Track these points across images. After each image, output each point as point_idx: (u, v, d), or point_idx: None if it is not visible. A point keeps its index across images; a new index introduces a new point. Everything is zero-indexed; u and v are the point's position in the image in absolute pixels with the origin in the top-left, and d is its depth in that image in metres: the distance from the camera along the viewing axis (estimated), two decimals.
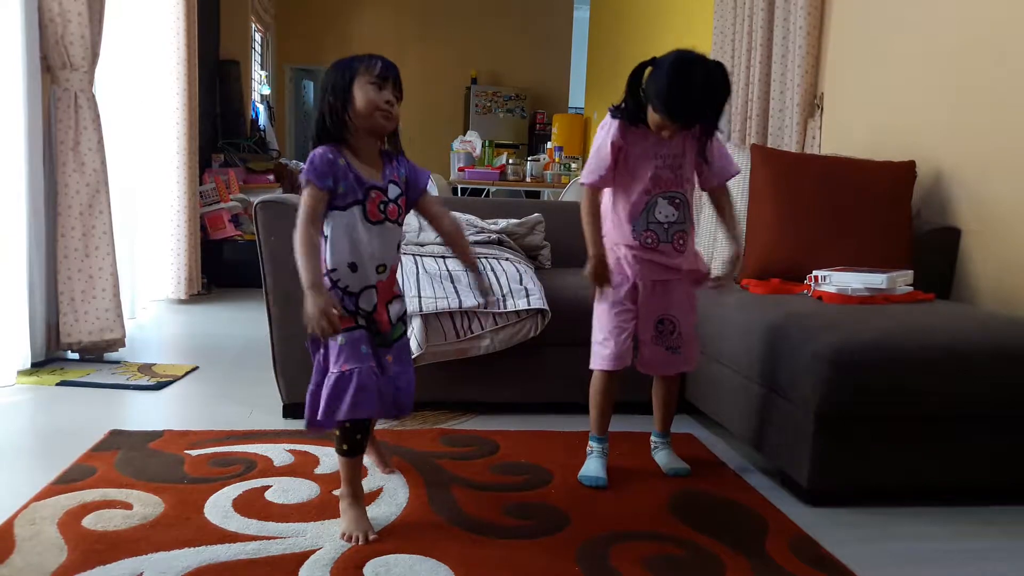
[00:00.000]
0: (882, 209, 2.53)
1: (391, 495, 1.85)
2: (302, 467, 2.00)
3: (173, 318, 4.15)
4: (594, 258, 1.92)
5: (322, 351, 1.66)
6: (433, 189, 5.49)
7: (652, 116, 1.85)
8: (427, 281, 2.46)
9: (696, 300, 2.04)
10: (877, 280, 2.23)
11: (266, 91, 8.30)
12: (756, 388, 2.12)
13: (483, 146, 6.66)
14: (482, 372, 2.49)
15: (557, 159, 6.28)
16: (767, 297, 2.36)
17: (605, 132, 1.93)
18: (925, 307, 2.21)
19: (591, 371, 2.02)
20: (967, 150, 2.56)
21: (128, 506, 1.72)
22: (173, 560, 1.50)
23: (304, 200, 1.59)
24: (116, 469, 1.93)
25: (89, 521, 1.64)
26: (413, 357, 2.32)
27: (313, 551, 1.56)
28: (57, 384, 2.72)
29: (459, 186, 6.06)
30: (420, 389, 2.45)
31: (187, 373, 2.93)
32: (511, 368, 2.52)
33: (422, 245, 2.77)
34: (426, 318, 2.38)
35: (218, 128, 6.21)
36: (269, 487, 1.87)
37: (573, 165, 6.17)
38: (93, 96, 3.09)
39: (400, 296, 1.76)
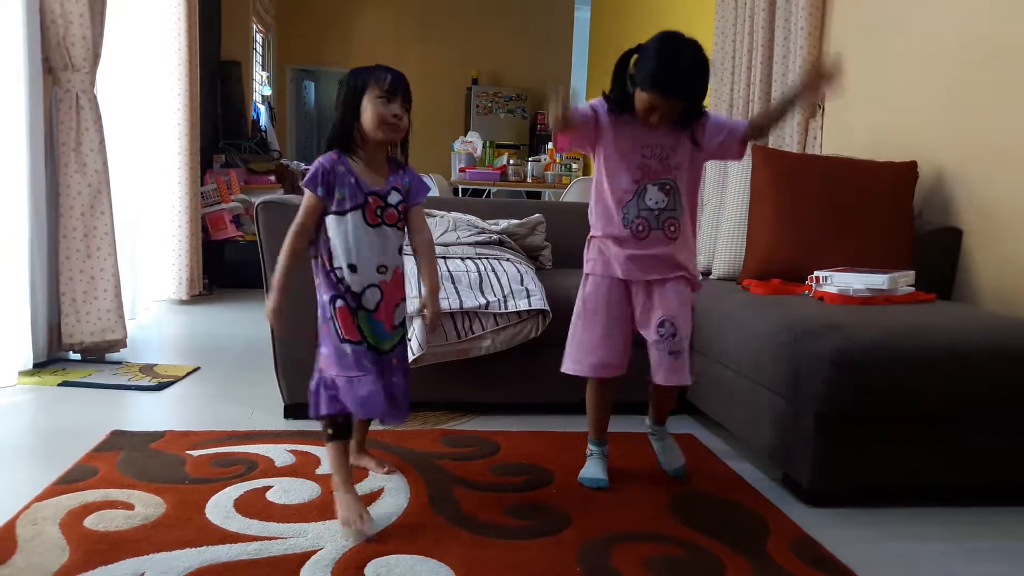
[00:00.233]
0: (883, 209, 2.53)
1: (392, 496, 1.85)
2: (303, 467, 2.01)
3: (174, 319, 4.15)
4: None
5: (322, 349, 1.74)
6: (434, 190, 5.50)
7: (640, 100, 1.80)
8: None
9: (693, 309, 1.94)
10: (878, 281, 2.23)
11: (267, 92, 8.31)
12: (757, 388, 2.12)
13: (484, 146, 6.66)
14: (483, 373, 2.49)
15: (558, 160, 6.28)
16: (768, 298, 2.36)
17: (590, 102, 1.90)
18: (926, 308, 2.21)
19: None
20: (968, 150, 2.56)
21: (130, 506, 1.73)
22: (174, 560, 1.50)
23: (302, 204, 1.73)
24: (118, 469, 1.93)
25: (91, 521, 1.64)
26: (414, 357, 2.34)
27: (314, 551, 1.56)
28: (59, 384, 2.72)
29: (460, 187, 6.06)
30: (421, 389, 2.47)
31: (188, 374, 2.93)
32: (512, 369, 2.52)
33: None
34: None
35: (219, 129, 6.22)
36: (270, 487, 1.87)
37: (574, 165, 6.17)
38: (95, 97, 3.10)
39: (404, 300, 1.82)
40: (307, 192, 1.71)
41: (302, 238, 1.73)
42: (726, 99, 4.03)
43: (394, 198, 1.75)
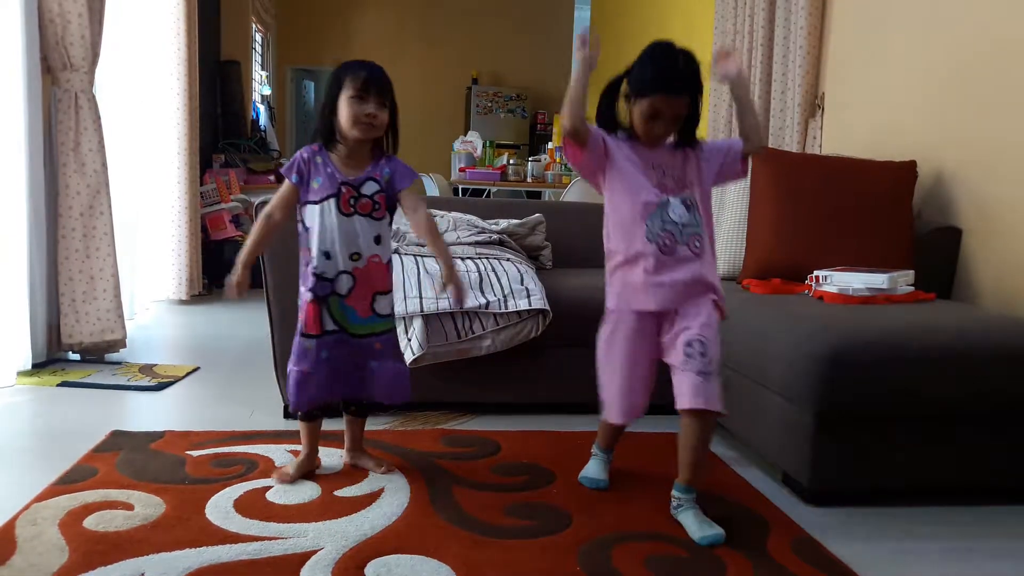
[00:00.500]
0: (883, 209, 2.53)
1: (392, 495, 1.85)
2: None
3: (174, 319, 4.15)
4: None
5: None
6: (434, 189, 5.50)
7: (641, 113, 1.76)
8: (428, 281, 2.46)
9: (718, 329, 1.79)
10: (878, 280, 2.23)
11: (267, 91, 8.30)
12: (757, 388, 2.12)
13: (484, 146, 6.66)
14: (483, 372, 2.49)
15: (558, 159, 6.28)
16: (768, 297, 2.35)
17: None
18: (926, 307, 2.21)
19: (593, 373, 1.93)
20: (968, 150, 2.56)
21: (129, 507, 1.72)
22: (174, 561, 1.50)
23: (278, 191, 1.87)
24: (117, 470, 1.93)
25: (90, 522, 1.64)
26: (414, 357, 2.34)
27: (314, 551, 1.56)
28: (58, 385, 2.72)
29: (460, 186, 6.06)
30: (421, 389, 2.47)
31: (188, 374, 2.93)
32: (512, 368, 2.52)
33: (423, 245, 2.77)
34: (427, 318, 2.38)
35: (219, 129, 6.21)
36: (270, 488, 1.87)
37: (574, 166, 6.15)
38: (94, 97, 3.10)
39: (391, 292, 1.89)
40: (285, 180, 1.84)
41: (269, 221, 1.85)
42: (726, 98, 4.03)
43: (369, 188, 1.81)
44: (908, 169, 2.61)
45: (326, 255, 1.80)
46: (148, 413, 2.49)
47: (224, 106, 6.32)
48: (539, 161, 6.31)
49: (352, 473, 1.98)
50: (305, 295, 1.83)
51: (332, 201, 1.79)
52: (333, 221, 1.79)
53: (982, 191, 2.50)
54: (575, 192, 4.63)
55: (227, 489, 1.84)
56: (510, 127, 9.39)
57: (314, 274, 1.81)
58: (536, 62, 9.59)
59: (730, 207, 2.85)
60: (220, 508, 1.74)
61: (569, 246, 2.98)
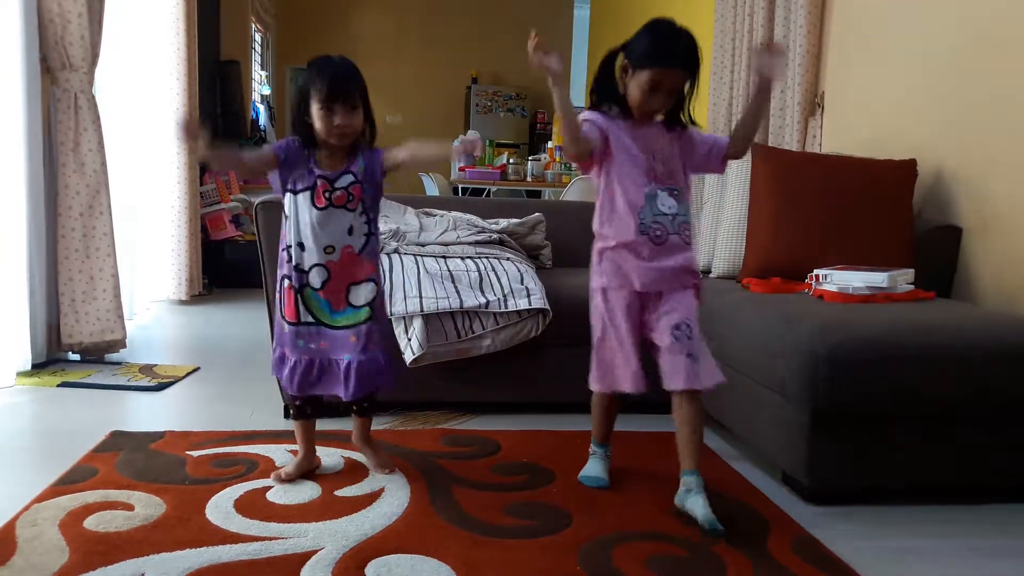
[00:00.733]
0: (883, 207, 2.52)
1: (392, 495, 1.85)
2: None
3: (174, 319, 4.15)
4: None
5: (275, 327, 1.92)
6: (433, 189, 5.49)
7: (639, 85, 1.78)
8: (428, 281, 2.46)
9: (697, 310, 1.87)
10: (878, 279, 2.23)
11: (266, 91, 8.30)
12: (756, 387, 2.12)
13: (484, 146, 6.65)
14: (483, 372, 2.49)
15: (558, 159, 6.28)
16: (768, 296, 2.35)
17: (584, 115, 1.88)
18: (926, 306, 2.21)
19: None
20: (968, 148, 2.56)
21: (130, 507, 1.72)
22: (175, 561, 1.50)
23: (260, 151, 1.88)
24: (117, 470, 1.93)
25: (91, 522, 1.64)
26: (414, 356, 2.34)
27: (315, 551, 1.56)
28: (58, 385, 2.72)
29: (460, 186, 6.06)
30: (421, 389, 2.48)
31: (188, 374, 2.93)
32: (512, 368, 2.51)
33: (423, 245, 2.77)
34: (427, 318, 2.38)
35: (218, 128, 6.21)
36: (271, 488, 1.87)
37: (574, 165, 6.16)
38: (93, 97, 3.09)
39: (370, 281, 1.87)
40: (271, 147, 1.83)
41: (251, 157, 1.87)
42: (725, 98, 4.03)
43: (344, 180, 1.82)
44: (908, 168, 2.61)
45: (300, 246, 1.83)
46: (148, 413, 2.49)
47: (224, 106, 6.32)
48: (539, 160, 6.30)
49: (352, 473, 1.98)
50: (284, 281, 1.86)
51: (308, 194, 1.82)
52: (307, 214, 1.81)
53: (982, 190, 2.50)
54: (575, 191, 4.63)
55: (227, 489, 1.84)
56: (510, 126, 9.39)
57: (288, 263, 1.85)
58: None
59: (730, 206, 2.85)
60: (220, 508, 1.74)
61: (569, 245, 2.97)
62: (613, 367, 1.87)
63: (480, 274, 2.54)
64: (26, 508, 1.70)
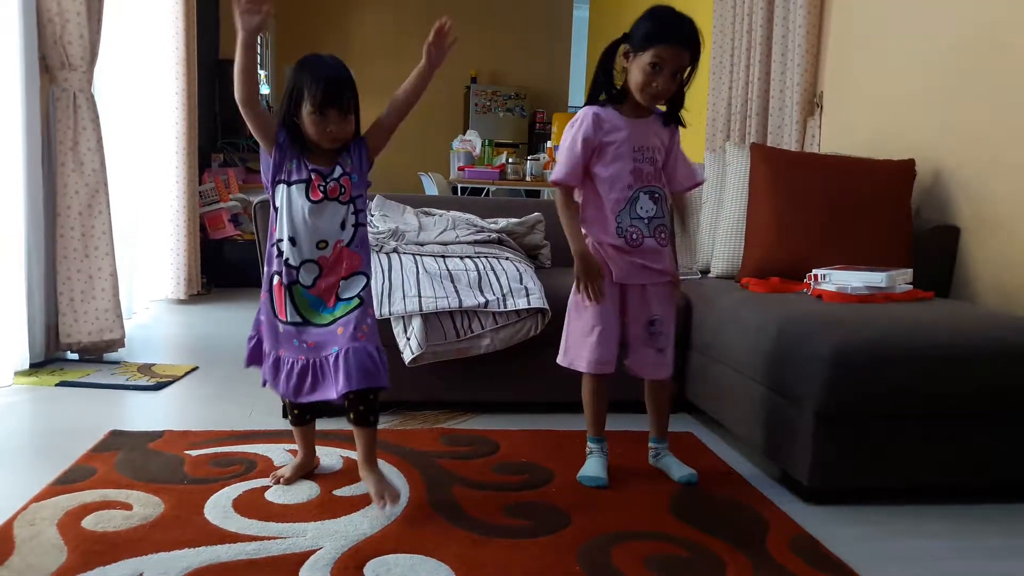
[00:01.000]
0: (882, 207, 2.52)
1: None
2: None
3: (173, 318, 4.15)
4: (579, 254, 1.91)
5: (260, 316, 1.83)
6: (432, 188, 5.49)
7: (641, 68, 1.83)
8: (427, 281, 2.46)
9: (674, 302, 2.03)
10: (877, 278, 2.23)
11: (265, 91, 8.29)
12: (756, 387, 2.12)
13: (483, 145, 6.65)
14: (482, 372, 2.49)
15: (557, 158, 6.27)
16: (767, 296, 2.35)
17: (576, 128, 1.93)
18: (925, 305, 2.21)
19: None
20: (966, 148, 2.56)
21: (128, 507, 1.72)
22: (173, 561, 1.49)
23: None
24: (116, 470, 1.93)
25: (89, 522, 1.64)
26: (414, 356, 2.33)
27: (313, 551, 1.56)
28: (56, 384, 2.71)
29: (459, 185, 6.06)
30: (421, 389, 2.48)
31: (187, 373, 2.93)
32: (511, 367, 2.51)
33: (421, 245, 2.77)
34: (426, 318, 2.37)
35: (217, 128, 6.20)
36: (269, 487, 1.86)
37: None
38: (92, 96, 3.09)
39: (361, 273, 1.79)
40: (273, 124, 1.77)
41: (253, 75, 1.85)
42: (724, 97, 4.03)
43: (336, 172, 1.76)
44: (906, 168, 2.61)
45: (292, 241, 1.74)
46: (147, 413, 2.49)
47: (223, 105, 6.31)
48: (538, 160, 6.30)
49: (351, 473, 1.97)
50: (274, 278, 1.78)
51: (302, 186, 1.74)
52: (301, 207, 1.73)
53: (980, 189, 2.50)
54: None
55: (226, 489, 1.84)
56: (509, 126, 9.38)
57: (279, 258, 1.77)
58: (535, 61, 9.58)
59: (728, 206, 2.85)
60: (219, 508, 1.74)
61: (568, 245, 2.97)
62: (593, 345, 1.95)
63: (479, 274, 2.54)
64: (24, 508, 1.70)
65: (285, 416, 2.41)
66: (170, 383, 2.79)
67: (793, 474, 1.98)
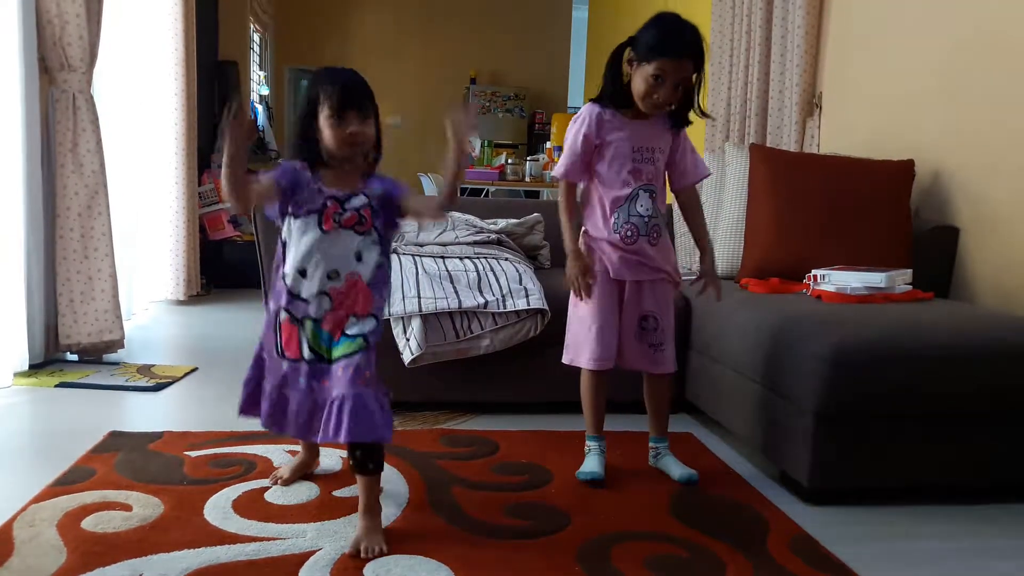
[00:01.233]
0: (881, 208, 2.53)
1: (391, 496, 1.85)
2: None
3: (172, 319, 4.15)
4: (569, 252, 1.94)
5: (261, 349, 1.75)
6: (432, 189, 5.48)
7: (644, 77, 1.85)
8: (427, 281, 2.46)
9: (672, 300, 2.05)
10: (876, 279, 2.23)
11: (265, 92, 8.29)
12: (755, 387, 2.12)
13: (482, 146, 6.65)
14: (482, 372, 2.49)
15: (556, 159, 6.27)
16: (766, 296, 2.35)
17: (578, 125, 1.95)
18: (924, 306, 2.21)
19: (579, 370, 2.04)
20: (966, 149, 2.56)
21: (127, 508, 1.72)
22: (173, 561, 1.49)
23: (261, 180, 1.66)
24: (115, 471, 1.93)
25: (88, 523, 1.64)
26: (413, 356, 2.33)
27: (313, 552, 1.56)
28: (56, 386, 2.71)
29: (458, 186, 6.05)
30: (421, 389, 2.48)
31: (186, 374, 2.93)
32: (511, 368, 2.51)
33: (421, 245, 2.77)
34: (426, 318, 2.37)
35: (217, 129, 6.20)
36: (269, 488, 1.86)
37: None
38: (91, 97, 3.09)
39: (372, 316, 1.67)
40: (270, 176, 1.64)
41: (250, 180, 1.63)
42: (724, 97, 4.03)
43: (357, 202, 1.66)
44: (906, 168, 2.61)
45: (301, 273, 1.64)
46: (146, 414, 2.49)
47: (222, 106, 6.31)
48: (537, 160, 6.30)
49: (350, 474, 1.97)
50: (281, 314, 1.67)
51: (314, 217, 1.64)
52: (312, 238, 1.63)
53: (980, 190, 2.50)
54: None
55: (225, 490, 1.84)
56: (508, 127, 9.38)
57: (288, 292, 1.66)
58: (534, 62, 9.58)
59: (728, 206, 2.85)
60: (218, 508, 1.73)
61: None
62: (592, 342, 1.97)
63: (479, 274, 2.54)
64: (24, 509, 1.69)
65: None
66: (169, 384, 2.79)
67: (793, 474, 1.98)
